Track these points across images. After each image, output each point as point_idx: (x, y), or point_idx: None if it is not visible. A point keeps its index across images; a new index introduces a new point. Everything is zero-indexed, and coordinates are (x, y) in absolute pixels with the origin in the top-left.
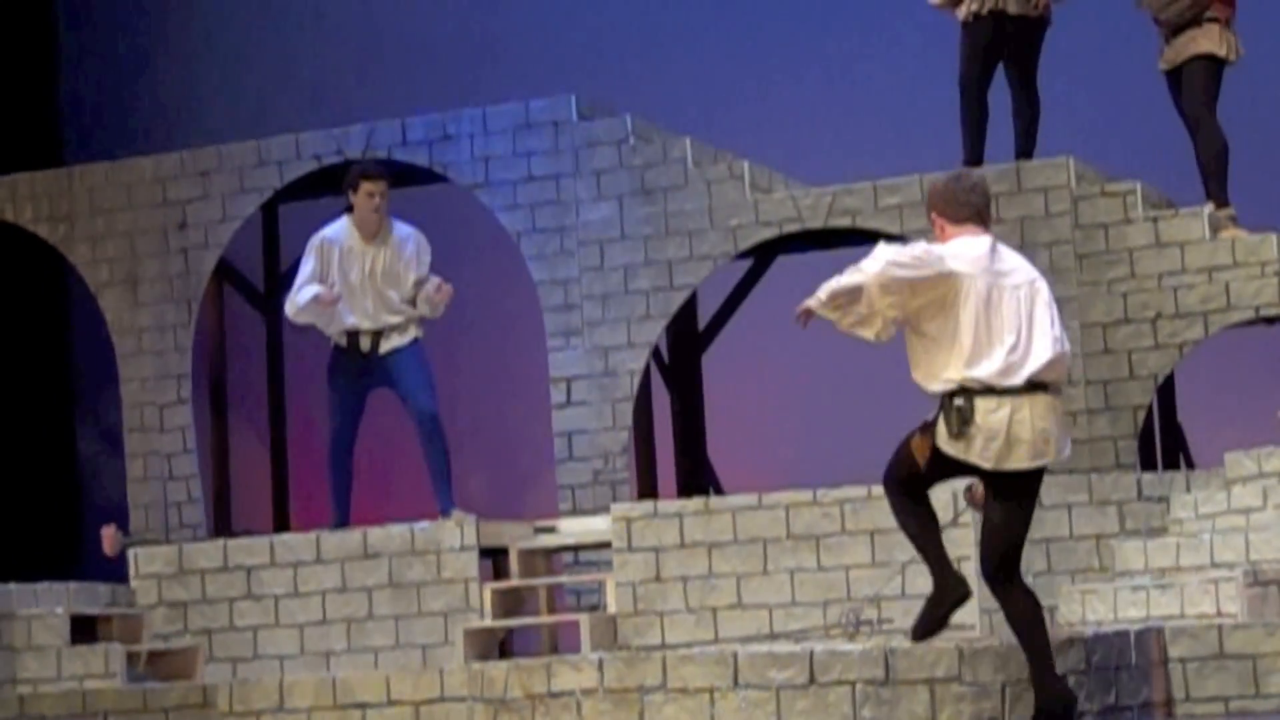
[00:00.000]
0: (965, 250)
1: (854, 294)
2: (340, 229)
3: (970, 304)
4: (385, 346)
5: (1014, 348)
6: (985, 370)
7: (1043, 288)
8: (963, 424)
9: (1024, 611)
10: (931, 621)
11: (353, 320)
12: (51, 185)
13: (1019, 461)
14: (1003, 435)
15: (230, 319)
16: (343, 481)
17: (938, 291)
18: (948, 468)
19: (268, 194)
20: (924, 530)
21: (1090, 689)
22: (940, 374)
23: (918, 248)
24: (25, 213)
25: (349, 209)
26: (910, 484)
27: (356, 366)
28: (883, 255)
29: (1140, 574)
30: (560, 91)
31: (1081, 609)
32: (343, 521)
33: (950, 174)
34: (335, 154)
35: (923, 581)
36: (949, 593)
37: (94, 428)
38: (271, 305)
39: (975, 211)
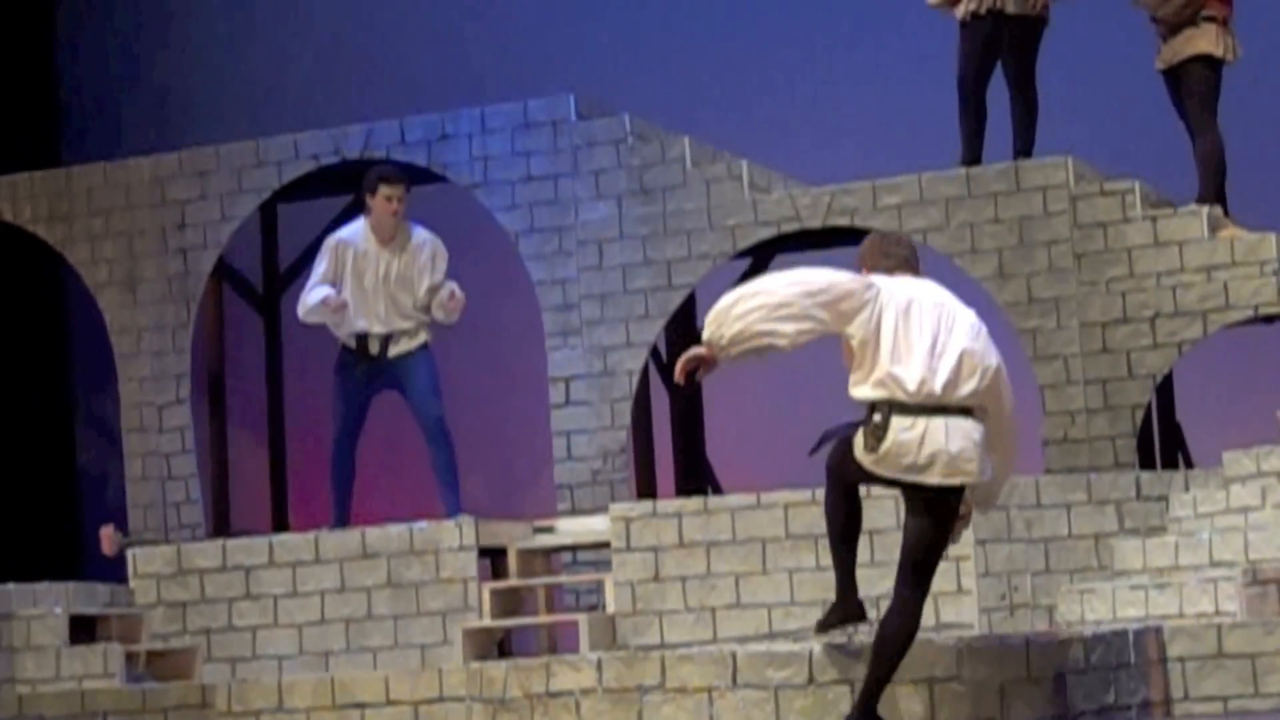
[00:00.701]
0: (888, 278)
1: (769, 294)
2: (356, 231)
3: (890, 312)
4: (394, 350)
5: (932, 351)
6: (905, 374)
7: (966, 315)
8: (877, 440)
9: (901, 627)
10: (827, 625)
11: (363, 324)
12: (50, 185)
13: (932, 477)
14: (914, 452)
15: (229, 319)
16: (344, 481)
17: (858, 301)
18: (868, 475)
19: (266, 194)
20: (845, 534)
21: (1089, 688)
22: (866, 377)
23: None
24: (24, 213)
25: (356, 207)
26: (846, 482)
27: (364, 368)
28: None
29: (1139, 573)
30: (558, 91)
31: (1080, 608)
32: (342, 520)
33: (874, 234)
34: (333, 154)
35: None
36: (845, 612)
37: (93, 428)
38: (270, 305)
39: (902, 260)
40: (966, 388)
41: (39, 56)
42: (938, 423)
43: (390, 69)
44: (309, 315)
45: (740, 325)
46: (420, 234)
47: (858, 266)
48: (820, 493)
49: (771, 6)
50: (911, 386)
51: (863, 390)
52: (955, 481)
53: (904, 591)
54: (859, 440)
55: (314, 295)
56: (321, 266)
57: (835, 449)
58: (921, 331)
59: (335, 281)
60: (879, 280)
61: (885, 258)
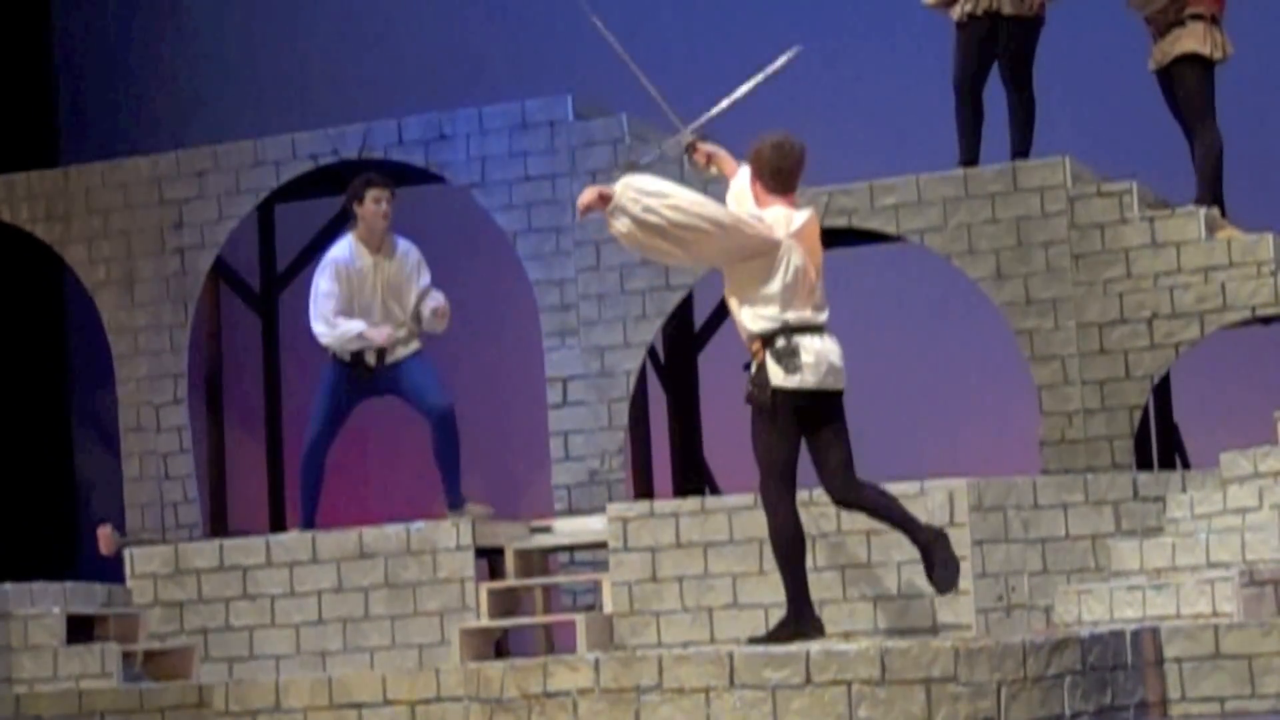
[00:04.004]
0: (783, 219)
1: (698, 225)
2: (346, 249)
3: (790, 264)
4: (390, 359)
5: (816, 282)
6: (798, 312)
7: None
8: (793, 357)
9: (879, 501)
10: (776, 640)
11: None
12: (48, 185)
13: (837, 382)
14: (826, 360)
15: (226, 319)
16: (315, 484)
17: (761, 251)
18: (788, 411)
19: (264, 194)
20: (796, 550)
21: (1086, 689)
22: (762, 312)
23: (746, 215)
24: (22, 212)
25: (337, 217)
26: (789, 473)
27: (356, 381)
28: (717, 211)
29: (1136, 574)
30: (556, 91)
31: (1077, 609)
32: (309, 524)
33: (774, 142)
34: (331, 154)
35: (920, 581)
36: (803, 628)
37: (90, 427)
38: (268, 305)
39: (794, 186)
40: (826, 315)
41: (37, 56)
42: (828, 338)
43: (388, 69)
44: (345, 344)
45: (655, 222)
46: (402, 241)
47: (749, 161)
48: (816, 493)
49: (769, 7)
50: (806, 312)
51: (759, 325)
52: (842, 386)
53: (853, 489)
54: (773, 371)
55: (350, 327)
56: (335, 288)
57: (755, 438)
58: (808, 270)
59: (347, 305)
60: (780, 220)
61: (783, 183)
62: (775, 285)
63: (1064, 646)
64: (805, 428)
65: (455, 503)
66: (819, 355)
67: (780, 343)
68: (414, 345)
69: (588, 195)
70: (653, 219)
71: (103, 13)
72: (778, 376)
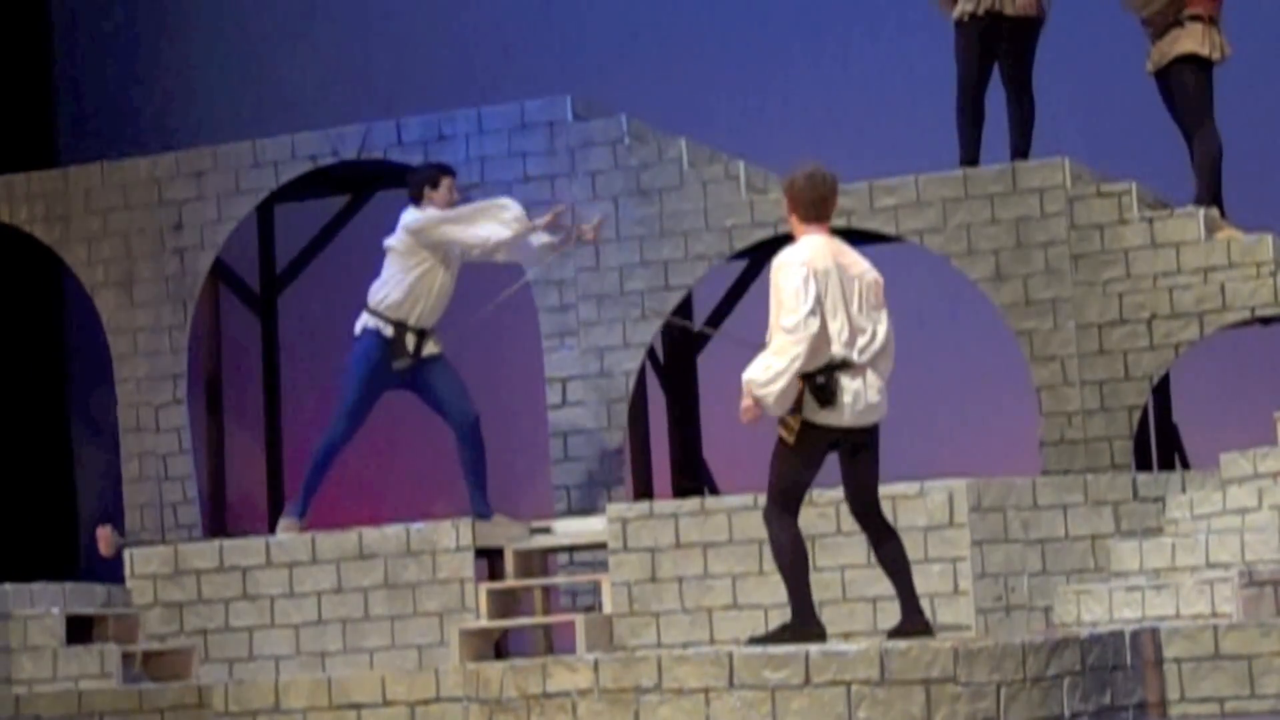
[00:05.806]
0: (816, 253)
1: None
2: None
3: (827, 298)
4: (426, 351)
5: (864, 331)
6: (841, 350)
7: (879, 279)
8: (830, 395)
9: (896, 549)
10: (775, 641)
11: (412, 315)
12: (47, 186)
13: (873, 417)
14: (863, 398)
15: (226, 320)
16: (323, 474)
17: (813, 302)
18: (817, 444)
19: (263, 195)
20: (802, 560)
21: (1086, 689)
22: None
23: (798, 310)
24: (21, 213)
25: (337, 217)
26: (796, 501)
27: (399, 366)
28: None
29: (1136, 574)
30: (555, 92)
31: (1077, 609)
32: (304, 509)
33: (807, 173)
34: (330, 155)
35: (919, 581)
36: (806, 631)
37: (89, 428)
38: (267, 306)
39: (826, 215)
40: (870, 351)
41: (37, 56)
42: (870, 373)
43: (387, 69)
44: (520, 225)
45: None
46: None
47: (784, 193)
48: (817, 494)
49: (768, 7)
50: (844, 350)
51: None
52: (880, 419)
53: (877, 521)
54: (809, 403)
55: (513, 207)
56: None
57: (775, 457)
58: (854, 311)
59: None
60: (809, 256)
61: (818, 212)
62: (822, 319)
63: (1063, 647)
64: (837, 453)
65: (484, 514)
66: (856, 394)
67: (820, 379)
68: (439, 345)
69: (745, 414)
70: (771, 397)
71: (103, 13)
72: (812, 411)
